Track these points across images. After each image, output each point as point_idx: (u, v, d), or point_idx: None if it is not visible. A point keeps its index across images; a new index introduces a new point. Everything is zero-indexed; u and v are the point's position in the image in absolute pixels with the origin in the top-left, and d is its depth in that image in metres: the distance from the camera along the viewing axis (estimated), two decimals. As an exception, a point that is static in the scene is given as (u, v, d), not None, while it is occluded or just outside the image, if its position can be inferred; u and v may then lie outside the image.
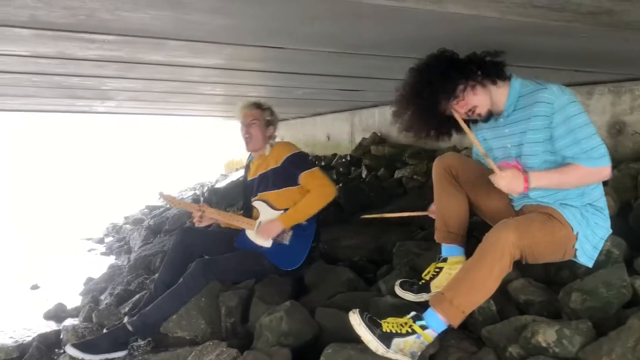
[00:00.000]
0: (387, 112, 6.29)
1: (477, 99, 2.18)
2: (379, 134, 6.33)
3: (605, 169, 2.04)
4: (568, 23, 1.87)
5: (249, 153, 3.58)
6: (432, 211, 2.65)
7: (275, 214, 3.21)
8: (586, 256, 2.12)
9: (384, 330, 1.92)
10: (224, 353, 2.31)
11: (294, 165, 3.23)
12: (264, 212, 3.27)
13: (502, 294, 2.18)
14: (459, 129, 2.29)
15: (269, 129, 3.37)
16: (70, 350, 2.75)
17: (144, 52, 2.93)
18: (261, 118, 3.34)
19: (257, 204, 3.33)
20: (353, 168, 5.79)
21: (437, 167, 2.44)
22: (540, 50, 2.56)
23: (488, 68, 2.17)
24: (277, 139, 3.46)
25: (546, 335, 1.77)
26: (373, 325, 1.93)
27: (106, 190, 14.09)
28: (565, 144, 2.06)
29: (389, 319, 1.98)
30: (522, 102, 2.19)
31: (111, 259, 6.37)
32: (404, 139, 5.98)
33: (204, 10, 1.93)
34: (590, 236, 2.10)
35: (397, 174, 4.83)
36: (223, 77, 4.08)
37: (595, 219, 2.12)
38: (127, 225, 7.94)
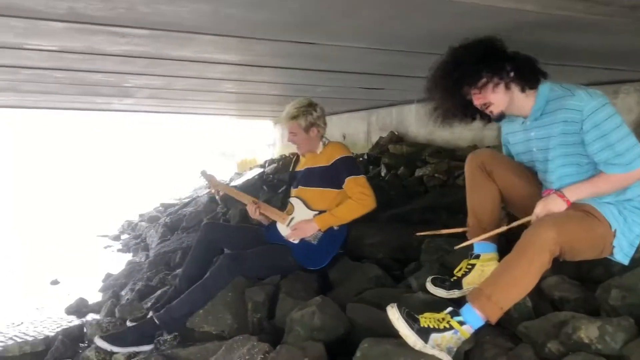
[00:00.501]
0: (405, 111, 6.29)
1: (495, 97, 2.16)
2: (396, 133, 6.32)
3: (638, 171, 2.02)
4: (609, 18, 1.86)
5: None
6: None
7: (310, 213, 3.20)
8: (622, 253, 2.11)
9: (421, 325, 1.91)
10: (255, 347, 2.31)
11: (343, 168, 3.21)
12: (299, 209, 3.27)
13: (536, 290, 2.15)
14: (483, 115, 2.28)
15: (312, 130, 3.30)
16: (99, 342, 2.78)
17: (172, 48, 2.95)
18: (298, 128, 3.29)
19: (293, 200, 3.33)
20: (371, 167, 5.78)
21: (470, 163, 2.43)
22: (571, 48, 2.54)
23: (523, 74, 2.14)
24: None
25: (588, 331, 1.76)
26: (411, 320, 1.92)
27: (120, 188, 14.20)
28: (596, 149, 2.05)
29: (426, 314, 1.97)
30: (550, 107, 2.17)
31: (128, 256, 6.41)
32: (421, 137, 5.99)
33: (243, 5, 1.93)
34: (627, 233, 2.08)
35: (418, 173, 4.82)
36: (246, 74, 4.09)
37: (633, 216, 2.10)
38: (143, 223, 7.98)
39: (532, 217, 2.13)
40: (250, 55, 3.16)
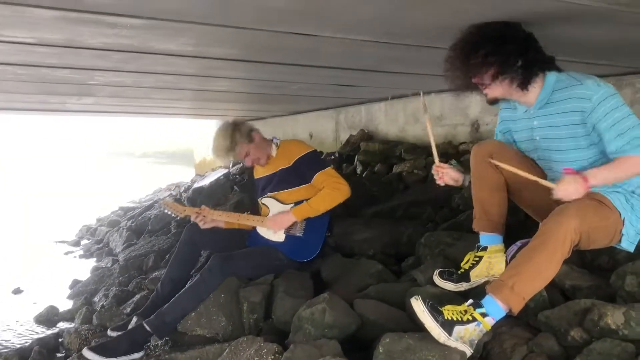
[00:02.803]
0: (374, 108, 6.29)
1: (494, 87, 2.18)
2: (366, 131, 6.33)
3: None
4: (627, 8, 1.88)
5: None
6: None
7: (286, 207, 3.16)
8: (629, 241, 2.14)
9: (446, 317, 1.89)
10: (263, 348, 2.23)
11: (307, 166, 3.18)
12: (274, 207, 3.22)
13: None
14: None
15: (254, 141, 3.23)
16: (87, 354, 2.64)
17: (159, 40, 2.81)
18: (243, 148, 3.21)
19: (266, 200, 3.28)
20: (345, 165, 5.76)
21: (476, 154, 2.42)
22: (575, 42, 2.56)
23: (530, 73, 2.13)
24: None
25: (614, 317, 1.78)
26: (435, 312, 1.89)
27: (74, 193, 13.70)
28: (609, 138, 2.05)
29: (448, 307, 1.95)
30: (555, 97, 2.18)
31: (91, 261, 6.16)
32: (392, 135, 6.01)
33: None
34: (634, 221, 2.12)
35: (396, 169, 4.82)
36: (223, 69, 3.97)
37: (639, 205, 2.14)
38: (103, 227, 7.71)
39: (553, 189, 2.05)
40: (237, 48, 3.06)
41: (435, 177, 2.46)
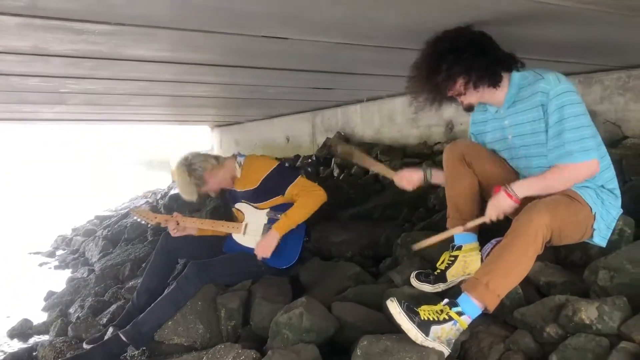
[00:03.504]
0: (350, 111, 6.31)
1: (468, 94, 2.23)
2: (342, 134, 6.34)
3: (587, 164, 2.05)
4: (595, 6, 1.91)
5: None
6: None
7: (262, 213, 3.14)
8: (600, 236, 2.17)
9: (422, 318, 1.89)
10: (241, 355, 2.21)
11: (277, 182, 3.13)
12: (249, 213, 3.19)
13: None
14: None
15: (214, 169, 3.14)
16: (62, 367, 2.58)
17: (129, 46, 2.78)
18: (209, 182, 3.13)
19: (240, 206, 3.23)
20: (322, 168, 5.76)
21: (449, 153, 2.43)
22: (541, 40, 2.59)
23: (487, 78, 2.17)
24: (232, 144, 3.30)
25: (588, 312, 1.79)
26: (412, 313, 1.89)
27: (48, 203, 13.46)
28: (553, 133, 2.10)
29: (424, 307, 1.95)
30: (522, 94, 2.22)
31: (67, 272, 6.03)
32: (368, 137, 6.03)
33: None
34: (605, 216, 2.15)
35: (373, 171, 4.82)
36: (198, 74, 3.94)
37: (609, 199, 2.17)
38: (78, 237, 7.57)
39: (486, 219, 2.17)
40: (211, 53, 3.04)
41: (400, 185, 2.63)
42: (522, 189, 2.10)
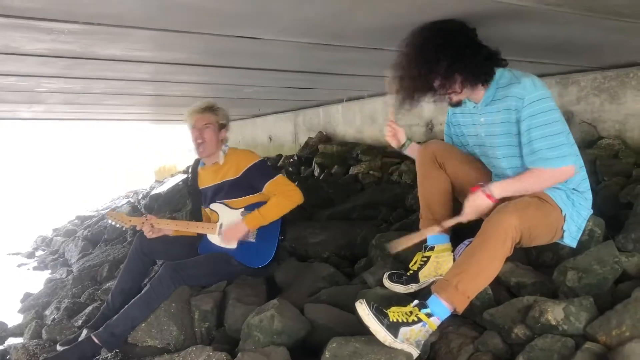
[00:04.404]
0: (332, 110, 6.31)
1: (465, 91, 2.21)
2: (324, 133, 6.33)
3: (562, 169, 2.06)
4: (558, 7, 1.91)
5: (196, 159, 3.45)
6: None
7: (236, 213, 3.12)
8: (571, 237, 2.18)
9: (391, 319, 1.88)
10: (212, 357, 2.20)
11: (257, 176, 3.15)
12: (224, 213, 3.17)
13: (490, 278, 2.19)
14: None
15: (221, 132, 3.24)
16: (33, 370, 2.54)
17: (101, 45, 2.74)
18: (215, 122, 3.21)
19: (215, 206, 3.21)
20: (303, 167, 5.75)
21: (422, 154, 2.44)
22: (517, 41, 2.58)
23: (473, 78, 2.15)
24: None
25: (555, 313, 1.80)
26: (381, 315, 1.89)
27: (27, 202, 13.29)
28: (525, 140, 2.10)
29: (394, 309, 1.95)
30: (499, 94, 2.21)
31: (46, 273, 5.96)
32: (349, 137, 6.03)
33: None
34: (575, 217, 2.16)
35: (352, 170, 4.83)
36: (173, 74, 3.90)
37: (580, 200, 2.19)
38: (59, 238, 7.51)
39: (463, 218, 2.18)
40: (186, 52, 3.01)
41: (385, 131, 2.59)
42: (499, 189, 2.11)
